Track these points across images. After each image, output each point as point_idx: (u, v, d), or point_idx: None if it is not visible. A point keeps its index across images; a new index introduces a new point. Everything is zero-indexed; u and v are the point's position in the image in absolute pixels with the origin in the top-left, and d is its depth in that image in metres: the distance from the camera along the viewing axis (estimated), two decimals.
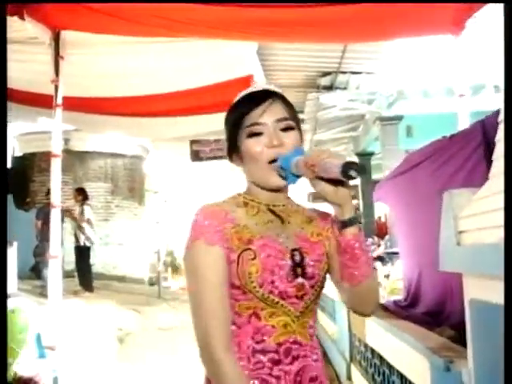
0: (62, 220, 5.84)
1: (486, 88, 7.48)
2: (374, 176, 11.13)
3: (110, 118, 6.64)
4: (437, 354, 1.96)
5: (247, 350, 1.21)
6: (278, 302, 1.21)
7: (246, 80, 5.60)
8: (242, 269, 1.19)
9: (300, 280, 1.23)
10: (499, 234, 1.36)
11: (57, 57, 4.55)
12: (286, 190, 1.34)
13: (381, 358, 3.02)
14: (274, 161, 1.25)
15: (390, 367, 2.77)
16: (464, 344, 2.07)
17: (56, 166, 4.47)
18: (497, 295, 1.45)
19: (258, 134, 1.26)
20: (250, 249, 1.21)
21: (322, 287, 1.29)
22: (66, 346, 3.98)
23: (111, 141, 10.84)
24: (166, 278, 12.44)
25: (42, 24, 4.28)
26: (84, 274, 8.75)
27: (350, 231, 1.21)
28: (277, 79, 6.46)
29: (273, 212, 1.30)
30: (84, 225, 8.64)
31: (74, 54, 4.76)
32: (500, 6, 4.58)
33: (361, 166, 1.09)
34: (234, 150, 1.32)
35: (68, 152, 5.49)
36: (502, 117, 1.39)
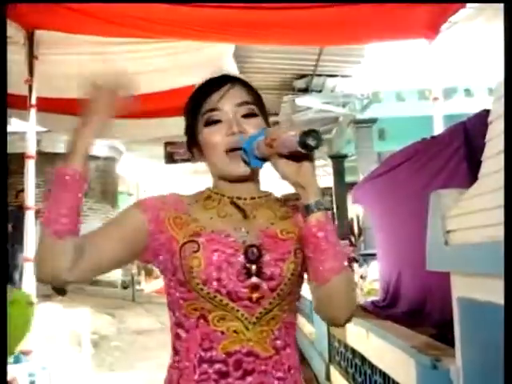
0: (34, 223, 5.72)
1: (457, 92, 7.63)
2: (348, 178, 11.23)
3: None
4: (422, 352, 1.98)
5: (193, 359, 1.06)
6: (227, 304, 1.04)
7: None
8: (184, 262, 1.05)
9: (254, 280, 1.05)
10: (488, 233, 1.38)
11: (31, 57, 4.47)
12: (258, 181, 1.20)
13: (362, 358, 3.04)
14: (233, 150, 1.11)
15: (373, 367, 2.79)
16: (447, 342, 2.11)
17: (30, 167, 4.40)
18: (485, 293, 1.48)
19: (217, 122, 1.13)
20: (194, 241, 1.07)
21: (291, 292, 1.10)
22: (41, 350, 3.90)
23: None
24: (139, 281, 12.32)
25: (16, 23, 4.21)
26: None
27: (315, 217, 1.03)
28: (253, 81, 6.38)
29: (235, 205, 1.15)
30: None
31: (48, 54, 4.69)
32: (470, 11, 4.68)
33: (319, 133, 0.95)
34: (193, 143, 1.19)
35: (39, 154, 5.34)
36: (491, 118, 1.41)
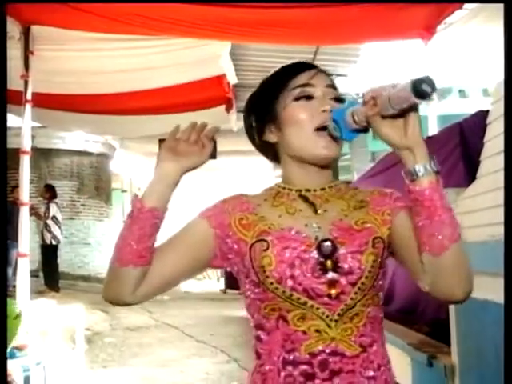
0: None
1: (452, 92, 7.68)
2: (342, 177, 11.25)
3: (77, 116, 6.55)
4: (418, 349, 2.00)
5: (277, 361, 1.01)
6: (305, 302, 0.99)
7: (218, 80, 5.61)
8: (255, 263, 1.02)
9: (331, 275, 0.99)
10: (486, 232, 1.40)
11: (26, 52, 4.47)
12: (331, 169, 1.14)
13: None
14: (323, 129, 1.04)
15: None
16: (440, 340, 2.14)
17: (25, 163, 4.40)
18: (482, 291, 1.50)
19: (308, 98, 1.07)
20: (263, 239, 1.03)
21: (373, 285, 1.02)
22: (35, 345, 3.90)
23: (77, 138, 10.67)
24: None
25: (13, 18, 4.20)
26: (51, 273, 8.59)
27: (428, 180, 0.93)
28: (249, 79, 6.46)
29: (305, 198, 1.09)
30: (50, 223, 8.48)
31: (44, 50, 4.68)
32: (466, 13, 4.71)
33: (432, 79, 0.86)
34: (269, 121, 1.11)
35: (33, 149, 5.33)
36: (490, 119, 1.43)
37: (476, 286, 1.56)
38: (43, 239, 8.51)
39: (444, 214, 0.94)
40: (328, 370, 0.99)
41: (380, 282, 1.06)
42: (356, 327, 1.01)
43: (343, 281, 1.00)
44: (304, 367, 0.99)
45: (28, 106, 4.45)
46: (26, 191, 4.38)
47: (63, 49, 4.94)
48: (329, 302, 1.00)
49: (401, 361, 2.16)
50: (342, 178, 11.42)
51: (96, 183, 11.56)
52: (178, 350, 6.09)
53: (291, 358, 1.00)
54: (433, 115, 4.73)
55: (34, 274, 8.18)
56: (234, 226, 1.07)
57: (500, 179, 1.29)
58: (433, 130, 4.53)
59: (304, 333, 1.00)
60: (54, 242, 8.55)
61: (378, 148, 9.18)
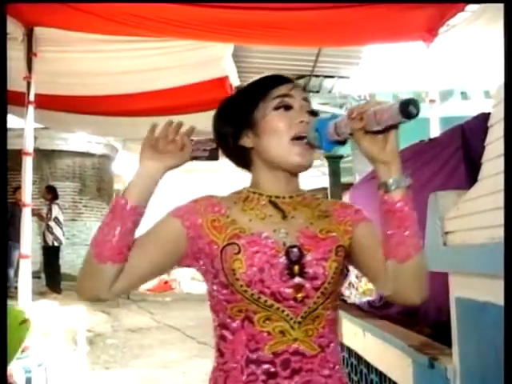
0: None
1: (453, 94, 7.67)
2: (344, 179, 11.24)
3: (80, 117, 6.56)
4: (419, 351, 2.01)
5: (241, 360, 1.06)
6: (272, 305, 1.05)
7: (221, 81, 5.61)
8: (226, 265, 1.06)
9: (298, 280, 1.06)
10: (487, 235, 1.41)
11: (29, 53, 4.48)
12: (298, 178, 1.20)
13: (358, 358, 3.06)
14: (299, 138, 1.11)
15: (369, 366, 2.81)
16: (442, 342, 2.13)
17: (28, 164, 4.41)
18: (483, 293, 1.51)
19: (288, 108, 1.13)
20: (234, 243, 1.07)
21: (334, 290, 1.10)
22: (37, 347, 3.91)
23: (80, 140, 10.68)
24: None
25: (16, 20, 4.21)
26: (53, 274, 8.60)
27: (400, 192, 1.01)
28: (251, 81, 6.50)
29: (274, 205, 1.15)
30: (52, 224, 8.49)
31: (47, 51, 4.69)
32: (468, 15, 4.71)
33: (418, 101, 0.94)
34: (247, 127, 1.16)
35: (35, 150, 5.33)
36: (492, 121, 1.44)
37: (476, 288, 1.57)
38: (45, 240, 8.52)
39: (412, 225, 1.03)
40: (289, 368, 1.05)
41: (339, 288, 1.14)
42: (316, 329, 1.08)
43: (308, 285, 1.07)
44: (267, 366, 1.05)
45: (31, 108, 4.46)
46: (28, 192, 4.39)
47: (66, 50, 4.95)
48: (294, 305, 1.06)
49: (402, 362, 2.17)
50: (343, 179, 11.40)
51: (98, 184, 11.57)
52: (179, 352, 6.10)
53: (255, 357, 1.06)
54: (435, 117, 4.72)
55: (35, 276, 8.21)
56: (205, 228, 1.11)
57: (501, 182, 1.30)
58: (435, 132, 4.52)
59: (269, 333, 1.05)
60: (55, 244, 8.56)
61: None
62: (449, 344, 1.80)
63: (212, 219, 1.11)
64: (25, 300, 4.29)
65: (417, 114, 0.94)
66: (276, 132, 1.12)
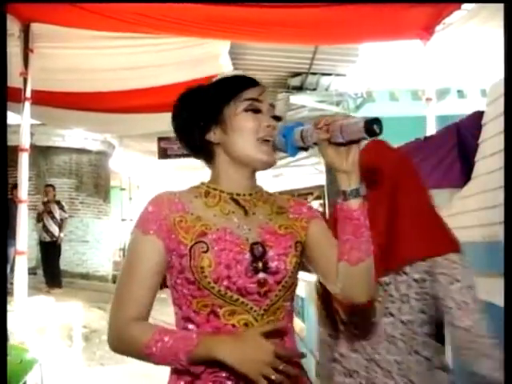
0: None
1: (450, 93, 7.68)
2: None
3: (77, 113, 6.56)
4: None
5: None
6: (237, 300, 1.10)
7: None
8: (194, 263, 1.10)
9: (261, 275, 1.12)
10: (480, 233, 1.41)
11: (26, 49, 4.48)
12: (255, 177, 1.25)
13: None
14: (265, 141, 1.17)
15: None
16: (437, 340, 2.14)
17: (24, 160, 4.41)
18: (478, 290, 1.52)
19: (256, 111, 1.18)
20: (202, 241, 1.11)
21: (293, 283, 1.17)
22: (32, 342, 3.91)
23: (76, 136, 10.66)
24: None
25: (12, 16, 4.21)
26: (52, 270, 8.61)
27: (356, 202, 1.10)
28: None
29: (236, 202, 1.20)
30: (49, 221, 8.49)
31: (44, 48, 4.69)
32: (464, 13, 4.71)
33: (381, 121, 1.02)
34: (215, 123, 1.19)
35: (32, 147, 5.29)
36: (485, 120, 1.44)
37: None
38: (43, 236, 8.52)
39: (366, 232, 1.12)
40: None
41: (297, 280, 1.20)
42: (277, 319, 1.15)
43: (271, 280, 1.13)
44: None
45: (27, 104, 4.47)
46: (24, 189, 4.39)
47: (63, 46, 4.95)
48: (257, 299, 1.12)
49: None
50: None
51: (95, 181, 11.53)
52: None
53: None
54: (431, 115, 4.73)
55: (31, 272, 8.21)
56: (174, 229, 1.14)
57: (493, 180, 1.31)
58: (431, 130, 4.53)
59: (233, 326, 1.11)
60: (54, 240, 8.56)
61: None
62: (442, 342, 1.81)
63: (179, 220, 1.15)
64: (20, 296, 4.30)
65: (379, 133, 1.01)
66: (244, 132, 1.17)
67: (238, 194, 1.20)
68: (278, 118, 1.21)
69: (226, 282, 1.09)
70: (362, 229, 1.11)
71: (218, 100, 1.19)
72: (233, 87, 1.19)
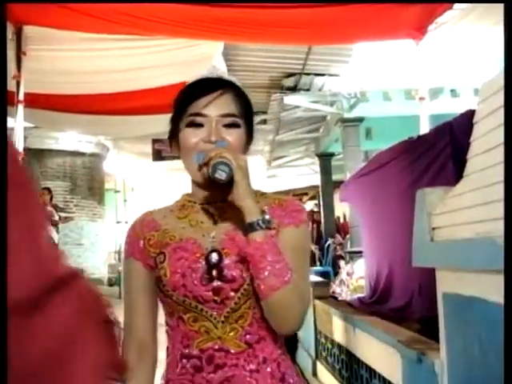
0: None
1: (443, 92, 7.72)
2: (335, 177, 11.29)
3: (70, 116, 6.53)
4: (408, 346, 2.02)
5: (177, 354, 1.15)
6: (196, 307, 1.12)
7: None
8: (156, 273, 1.15)
9: (216, 283, 1.10)
10: (473, 230, 1.42)
11: (19, 52, 4.46)
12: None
13: (349, 354, 3.09)
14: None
15: (359, 362, 2.83)
16: (431, 337, 2.16)
17: None
18: (469, 288, 1.53)
19: (198, 126, 1.15)
20: (162, 252, 1.15)
21: (254, 290, 1.10)
22: None
23: (70, 139, 10.64)
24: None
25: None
26: None
27: (251, 237, 1.07)
28: (241, 79, 6.39)
29: (207, 211, 1.20)
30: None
31: (37, 50, 4.67)
32: (457, 12, 4.74)
33: (228, 164, 1.05)
34: (174, 138, 1.21)
35: (25, 150, 5.26)
36: (476, 118, 1.45)
37: (463, 283, 1.58)
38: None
39: (266, 267, 1.06)
40: (213, 363, 1.11)
41: None
42: (241, 327, 1.13)
43: (227, 288, 1.11)
44: (195, 360, 1.12)
45: (20, 107, 4.44)
46: None
47: (56, 49, 4.93)
48: (216, 307, 1.12)
49: (392, 358, 2.19)
50: (335, 177, 11.45)
51: (89, 184, 11.52)
52: None
53: (186, 352, 1.13)
54: (425, 115, 4.74)
55: None
56: (146, 247, 1.20)
57: (485, 178, 1.32)
58: (425, 129, 4.54)
59: (196, 332, 1.13)
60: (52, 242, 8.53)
61: (370, 147, 9.23)
62: (437, 339, 1.82)
63: (148, 238, 1.20)
64: None
65: (226, 180, 1.04)
66: (185, 149, 1.17)
67: (209, 203, 1.20)
68: (234, 125, 1.16)
69: (182, 291, 1.11)
70: (263, 264, 1.05)
71: (174, 115, 1.21)
72: (181, 101, 1.19)
